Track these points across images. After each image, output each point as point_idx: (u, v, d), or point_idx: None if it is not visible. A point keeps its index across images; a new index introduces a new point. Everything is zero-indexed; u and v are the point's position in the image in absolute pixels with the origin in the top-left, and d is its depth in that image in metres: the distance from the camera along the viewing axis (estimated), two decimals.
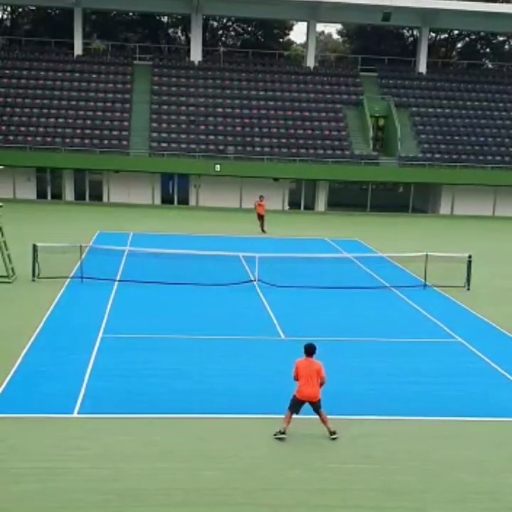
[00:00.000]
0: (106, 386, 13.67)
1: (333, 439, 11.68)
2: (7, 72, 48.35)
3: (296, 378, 11.85)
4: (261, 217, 34.70)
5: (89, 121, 45.71)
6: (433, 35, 62.25)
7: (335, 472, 10.67)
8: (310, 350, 11.97)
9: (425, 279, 23.56)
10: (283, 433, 11.72)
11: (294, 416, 11.78)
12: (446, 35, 66.16)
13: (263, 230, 34.28)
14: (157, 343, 16.50)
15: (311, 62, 52.33)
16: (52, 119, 45.47)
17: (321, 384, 11.80)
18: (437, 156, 46.57)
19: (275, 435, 11.73)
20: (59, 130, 44.85)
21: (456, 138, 48.13)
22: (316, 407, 11.77)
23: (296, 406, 11.78)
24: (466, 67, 58.90)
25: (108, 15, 60.75)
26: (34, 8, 60.52)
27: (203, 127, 46.40)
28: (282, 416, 12.50)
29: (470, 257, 23.79)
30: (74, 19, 49.62)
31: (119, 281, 22.53)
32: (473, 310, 20.92)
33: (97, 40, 62.96)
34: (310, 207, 46.32)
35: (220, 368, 15.02)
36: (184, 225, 35.76)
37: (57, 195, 44.64)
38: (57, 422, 12.00)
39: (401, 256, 26.20)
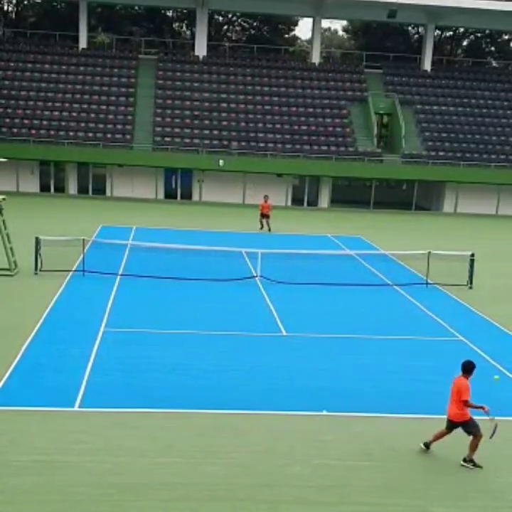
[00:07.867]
0: (107, 380, 13.68)
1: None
2: (12, 64, 48.32)
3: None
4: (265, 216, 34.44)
5: (93, 115, 45.66)
6: (438, 32, 62.09)
7: (335, 469, 10.66)
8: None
9: (427, 277, 23.54)
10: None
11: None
12: (452, 33, 65.99)
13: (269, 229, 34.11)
14: (158, 338, 16.51)
15: (315, 59, 52.25)
16: (56, 113, 45.43)
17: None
18: (441, 153, 46.48)
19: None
20: (63, 123, 44.80)
21: (461, 136, 48.02)
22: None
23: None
24: (470, 65, 58.76)
25: (113, 8, 60.65)
26: (39, 0, 60.45)
27: (207, 122, 46.35)
28: (283, 412, 12.53)
29: (473, 255, 23.73)
30: (79, 12, 49.59)
31: (121, 275, 22.54)
32: (476, 308, 20.88)
33: (102, 34, 62.87)
34: (313, 203, 46.28)
35: (221, 363, 15.01)
36: (187, 220, 35.73)
37: (61, 189, 44.63)
38: (58, 416, 12.01)
39: (404, 254, 26.20)
